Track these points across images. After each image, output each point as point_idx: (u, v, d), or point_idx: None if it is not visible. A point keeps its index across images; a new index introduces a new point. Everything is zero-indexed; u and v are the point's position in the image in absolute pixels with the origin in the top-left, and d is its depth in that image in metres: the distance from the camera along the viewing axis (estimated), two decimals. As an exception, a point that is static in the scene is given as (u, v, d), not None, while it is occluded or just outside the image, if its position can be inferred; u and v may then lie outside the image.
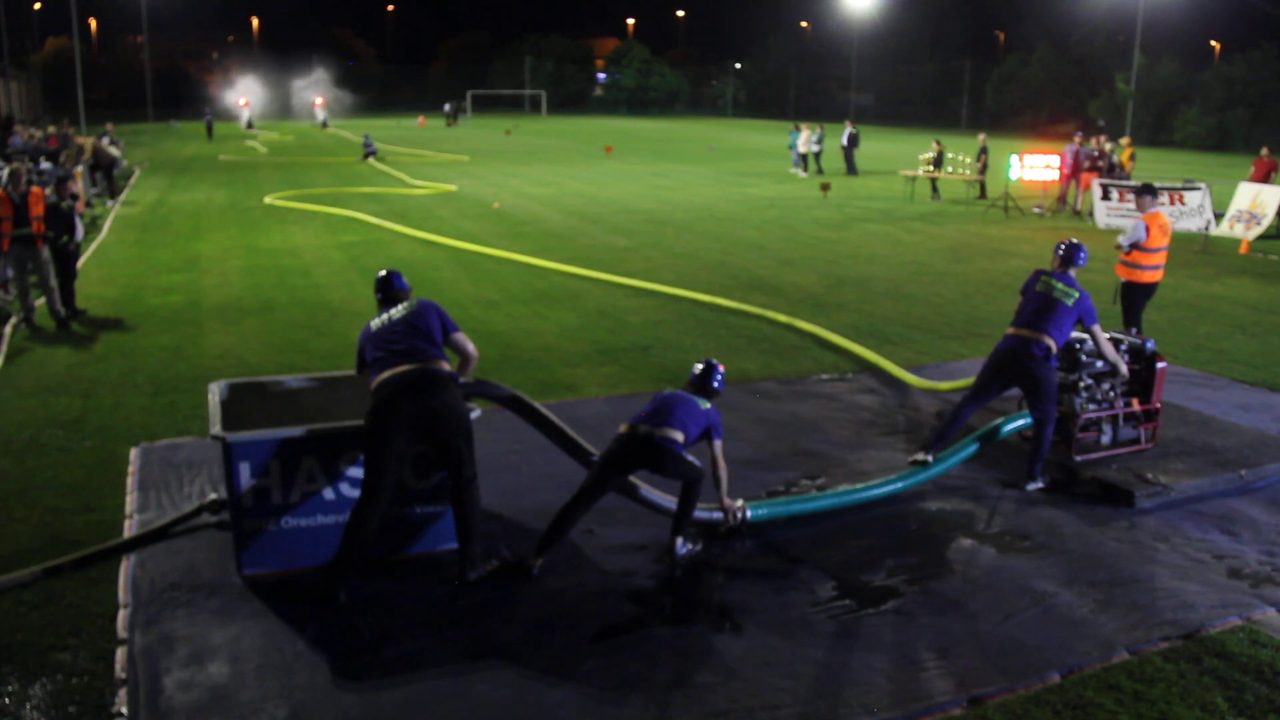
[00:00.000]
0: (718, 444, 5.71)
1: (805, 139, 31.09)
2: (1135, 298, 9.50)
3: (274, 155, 35.62)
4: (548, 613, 5.08)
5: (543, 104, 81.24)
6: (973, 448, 6.88)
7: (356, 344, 5.52)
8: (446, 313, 5.50)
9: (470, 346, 5.50)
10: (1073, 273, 6.96)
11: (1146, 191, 9.50)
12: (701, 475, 5.60)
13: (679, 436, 5.50)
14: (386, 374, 5.16)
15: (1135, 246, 9.25)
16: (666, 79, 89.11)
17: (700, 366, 5.95)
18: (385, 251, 15.54)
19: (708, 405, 5.71)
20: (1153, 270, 9.41)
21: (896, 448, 7.46)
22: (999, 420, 7.10)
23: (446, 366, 5.28)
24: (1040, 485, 6.71)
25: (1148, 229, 9.18)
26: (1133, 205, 19.76)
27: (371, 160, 32.62)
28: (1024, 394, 6.83)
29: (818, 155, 30.78)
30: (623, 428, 5.66)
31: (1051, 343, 6.62)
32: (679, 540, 5.66)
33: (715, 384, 5.89)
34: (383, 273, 5.77)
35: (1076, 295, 6.74)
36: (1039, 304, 6.76)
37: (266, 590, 5.19)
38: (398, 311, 5.43)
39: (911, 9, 73.38)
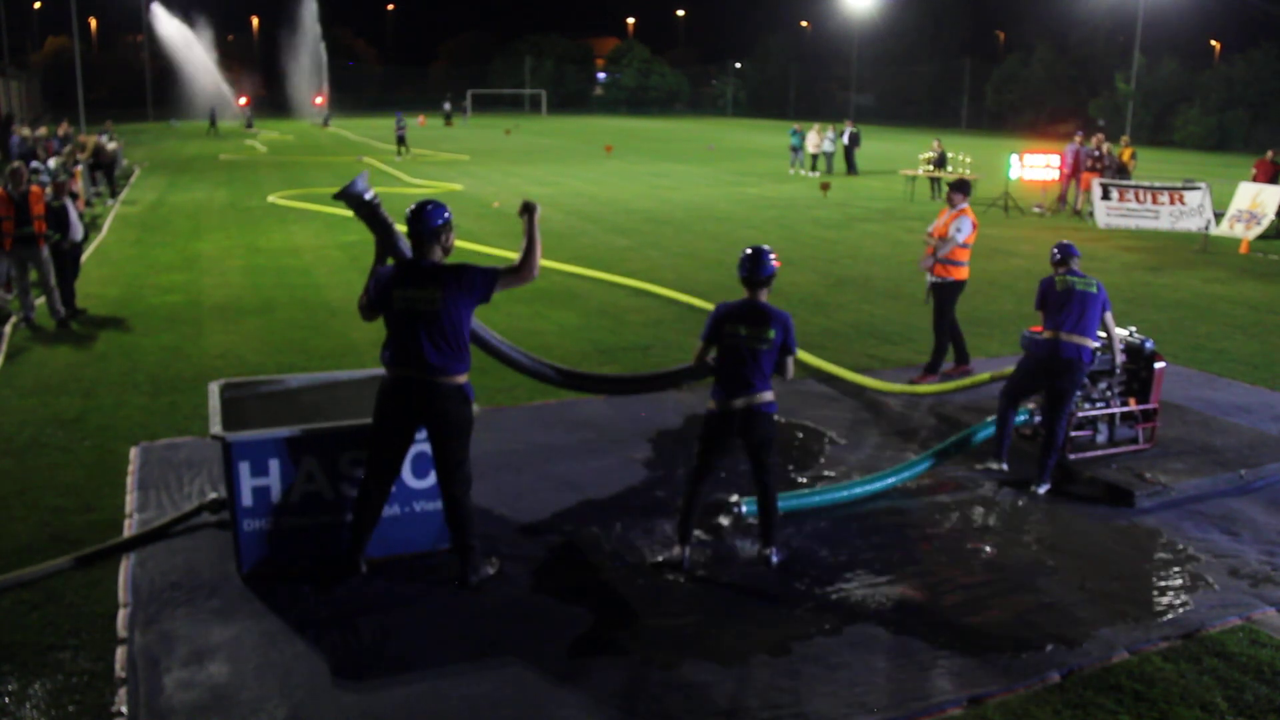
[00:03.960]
0: (790, 361, 5.51)
1: (815, 140, 30.18)
2: (952, 296, 9.11)
3: (274, 155, 35.62)
4: (548, 613, 5.08)
5: (543, 103, 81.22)
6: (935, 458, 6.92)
7: (370, 276, 5.19)
8: (476, 272, 5.05)
9: (509, 268, 5.17)
10: (1076, 264, 6.96)
11: (963, 188, 9.07)
12: (776, 474, 5.55)
13: (770, 396, 5.43)
14: (395, 370, 5.08)
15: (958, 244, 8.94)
16: (666, 79, 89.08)
17: (749, 255, 5.51)
18: (385, 251, 15.51)
19: (775, 312, 5.44)
20: (967, 267, 9.13)
21: (896, 447, 7.46)
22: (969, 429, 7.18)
23: (459, 379, 5.08)
24: (1048, 487, 6.71)
25: (974, 225, 8.96)
26: (1133, 204, 19.87)
27: (369, 160, 32.61)
28: (1050, 394, 6.73)
29: (829, 156, 30.10)
30: (711, 404, 5.50)
31: (1094, 346, 6.66)
32: (773, 549, 5.58)
33: (771, 269, 5.50)
34: (412, 207, 5.13)
35: (1096, 283, 6.78)
36: (1073, 304, 6.66)
37: (266, 590, 5.18)
38: (424, 301, 4.96)
39: (911, 9, 73.37)
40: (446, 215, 5.15)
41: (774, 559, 5.57)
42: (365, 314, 5.27)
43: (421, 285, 5.02)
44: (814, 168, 30.22)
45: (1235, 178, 21.65)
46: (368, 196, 5.54)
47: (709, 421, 5.53)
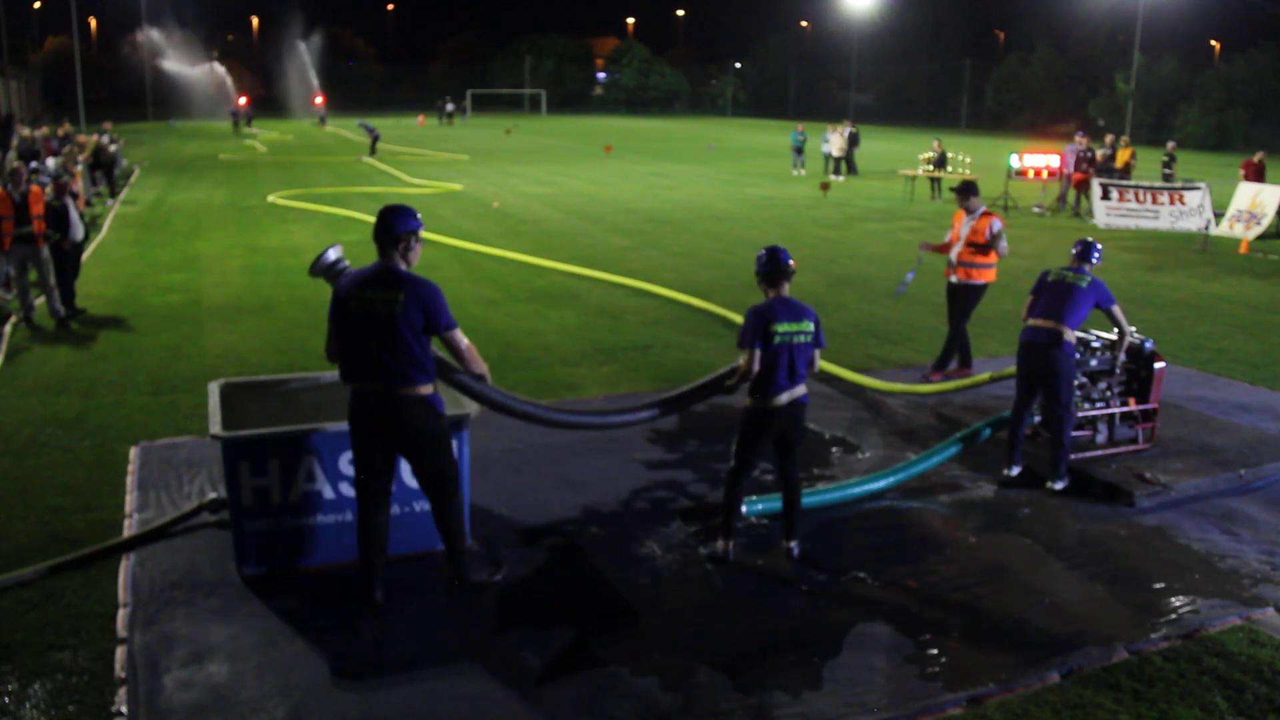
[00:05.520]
0: (815, 353, 5.59)
1: (839, 143, 28.75)
2: (976, 298, 9.14)
3: (273, 154, 35.62)
4: (548, 613, 5.08)
5: (542, 103, 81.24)
6: (954, 448, 6.96)
7: (327, 316, 4.97)
8: (442, 306, 4.82)
9: (463, 343, 4.96)
10: (1086, 267, 6.96)
11: (974, 189, 9.04)
12: (801, 477, 5.74)
13: (805, 389, 5.52)
14: (355, 385, 4.88)
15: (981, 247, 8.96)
16: (666, 78, 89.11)
17: (770, 252, 5.61)
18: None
19: (806, 305, 5.55)
20: (995, 269, 9.12)
21: (897, 447, 7.47)
22: (979, 422, 7.23)
23: (421, 390, 4.83)
24: (1065, 484, 6.67)
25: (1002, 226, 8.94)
26: (1133, 204, 19.87)
27: (369, 160, 32.61)
28: (1042, 386, 6.76)
29: (831, 158, 29.14)
30: (749, 401, 5.55)
31: (1068, 332, 6.63)
32: (795, 542, 5.68)
33: (788, 261, 5.58)
34: (383, 209, 4.92)
35: (1089, 279, 6.79)
36: (1052, 293, 6.79)
37: (266, 590, 5.19)
38: (382, 302, 4.74)
39: (911, 9, 73.43)
40: (414, 224, 4.90)
41: (795, 551, 5.65)
42: (332, 354, 5.02)
43: (385, 287, 4.78)
44: (837, 170, 28.87)
45: (1235, 177, 21.66)
46: (340, 267, 5.45)
47: (750, 419, 5.55)
